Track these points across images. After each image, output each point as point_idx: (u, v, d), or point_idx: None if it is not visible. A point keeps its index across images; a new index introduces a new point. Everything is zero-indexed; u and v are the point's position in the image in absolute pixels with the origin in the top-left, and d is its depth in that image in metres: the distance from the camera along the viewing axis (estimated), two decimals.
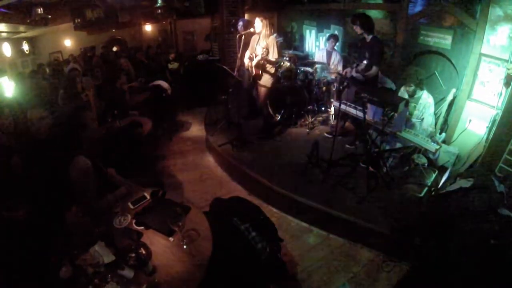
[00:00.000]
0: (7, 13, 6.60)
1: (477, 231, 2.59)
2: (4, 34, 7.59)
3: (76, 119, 2.87)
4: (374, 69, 4.74)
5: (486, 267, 2.44)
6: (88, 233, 2.49)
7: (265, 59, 5.13)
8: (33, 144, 3.27)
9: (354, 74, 4.89)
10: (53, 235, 2.46)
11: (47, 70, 8.17)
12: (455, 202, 2.93)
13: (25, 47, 8.68)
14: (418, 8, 5.58)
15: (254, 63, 5.24)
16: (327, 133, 5.79)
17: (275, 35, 5.18)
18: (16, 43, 8.31)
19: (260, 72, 5.30)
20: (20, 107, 4.80)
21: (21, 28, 7.50)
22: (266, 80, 5.30)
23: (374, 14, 6.30)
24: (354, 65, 5.21)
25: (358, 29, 4.79)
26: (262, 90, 5.41)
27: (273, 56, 5.10)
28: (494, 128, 3.84)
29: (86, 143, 2.79)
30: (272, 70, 5.22)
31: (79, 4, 8.10)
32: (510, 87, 3.61)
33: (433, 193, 3.89)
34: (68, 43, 9.63)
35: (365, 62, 4.72)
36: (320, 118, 6.41)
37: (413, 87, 4.46)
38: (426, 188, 4.06)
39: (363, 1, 6.63)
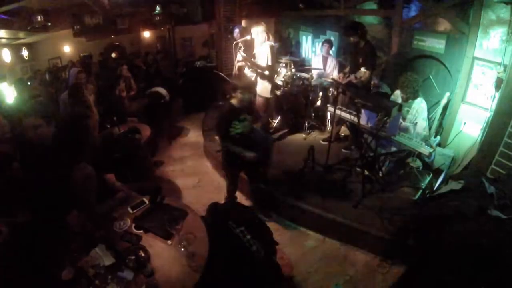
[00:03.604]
0: (7, 19, 6.66)
1: (468, 231, 2.65)
2: (3, 40, 7.63)
3: (80, 126, 2.92)
4: (367, 73, 4.80)
5: (477, 266, 2.49)
6: (89, 236, 2.55)
7: (249, 60, 5.19)
8: (34, 149, 3.31)
9: (354, 81, 4.94)
10: (54, 239, 2.52)
11: (47, 76, 8.23)
12: (447, 203, 2.99)
13: (25, 53, 8.71)
14: (412, 13, 5.66)
15: (235, 69, 5.31)
16: (323, 140, 5.83)
17: (271, 41, 5.19)
18: (15, 49, 8.35)
19: (254, 79, 5.33)
20: (17, 113, 4.83)
21: (21, 34, 7.55)
22: (262, 90, 5.29)
23: (369, 19, 6.39)
24: (347, 70, 5.28)
25: (354, 38, 4.84)
26: (260, 100, 5.39)
27: (265, 62, 5.05)
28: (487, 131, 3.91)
29: (89, 150, 2.84)
30: (268, 77, 5.19)
31: (79, 10, 8.17)
32: (501, 90, 3.67)
33: (427, 195, 3.94)
34: (67, 49, 9.67)
35: (363, 69, 4.77)
36: (316, 123, 6.44)
37: (408, 96, 4.53)
38: (420, 191, 4.12)
39: (358, 7, 6.69)
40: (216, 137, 4.06)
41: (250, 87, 3.59)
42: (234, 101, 3.62)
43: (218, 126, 3.69)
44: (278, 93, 6.04)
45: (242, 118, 3.58)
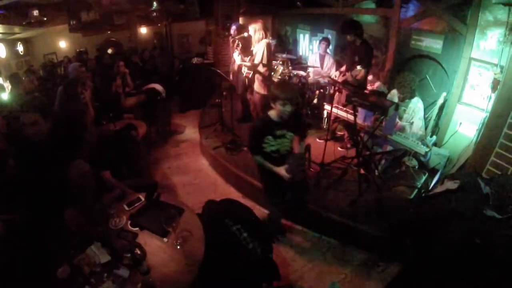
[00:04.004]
0: (3, 14, 6.60)
1: (464, 231, 2.66)
2: None
3: (78, 122, 2.91)
4: (362, 72, 4.81)
5: (474, 266, 2.51)
6: (84, 234, 2.54)
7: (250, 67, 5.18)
8: (30, 146, 3.29)
9: (349, 79, 4.94)
10: (50, 236, 2.50)
11: (41, 72, 8.16)
12: (443, 203, 3.00)
13: (20, 48, 8.64)
14: (410, 13, 5.67)
15: (235, 67, 5.29)
16: (319, 138, 5.83)
17: (269, 38, 5.18)
18: (10, 44, 8.28)
19: (250, 76, 5.32)
20: (13, 109, 4.79)
21: (16, 29, 7.48)
22: (258, 86, 5.27)
23: (366, 18, 6.40)
24: (343, 68, 5.28)
25: (351, 36, 4.85)
26: (256, 97, 5.39)
27: (259, 59, 5.03)
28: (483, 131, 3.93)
29: (85, 146, 2.83)
30: (264, 74, 5.17)
31: (75, 6, 8.11)
32: (497, 91, 3.69)
33: (423, 195, 3.96)
34: (63, 44, 9.61)
35: (358, 67, 4.77)
36: (313, 122, 6.44)
37: (404, 95, 4.54)
38: (416, 190, 4.13)
39: (356, 5, 6.70)
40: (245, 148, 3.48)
41: (294, 98, 3.02)
42: (272, 113, 3.13)
43: (249, 138, 3.26)
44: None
45: (280, 134, 3.13)
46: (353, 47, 4.97)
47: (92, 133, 4.44)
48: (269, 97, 3.14)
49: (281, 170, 3.09)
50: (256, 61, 4.99)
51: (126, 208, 2.90)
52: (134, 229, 2.65)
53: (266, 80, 5.20)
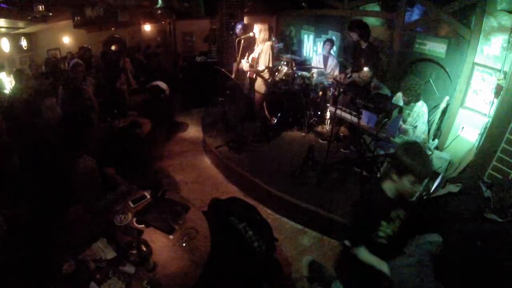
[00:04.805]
0: (7, 8, 6.61)
1: (465, 233, 2.69)
2: (3, 30, 7.58)
3: (80, 120, 2.93)
4: (369, 74, 4.82)
5: (474, 268, 2.54)
6: (89, 230, 2.57)
7: (253, 71, 5.21)
8: (34, 143, 3.31)
9: (357, 79, 4.96)
10: (54, 232, 2.53)
11: (44, 68, 8.17)
12: (444, 206, 3.03)
13: (23, 43, 8.65)
14: (414, 17, 5.69)
15: (242, 67, 5.34)
16: (322, 139, 5.86)
17: (273, 40, 5.19)
18: (14, 38, 8.29)
19: (254, 76, 5.34)
20: (10, 104, 4.79)
21: (20, 23, 7.49)
22: (259, 86, 5.30)
23: (371, 21, 6.40)
24: (348, 70, 5.30)
25: (355, 36, 4.86)
26: (257, 96, 5.43)
27: (265, 63, 5.04)
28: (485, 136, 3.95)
29: (91, 143, 2.85)
30: (266, 76, 5.19)
31: (80, 2, 8.12)
32: (500, 97, 3.71)
33: (424, 197, 3.98)
34: (66, 40, 9.61)
35: (366, 69, 4.78)
36: (316, 123, 6.47)
37: (409, 99, 4.56)
38: (417, 193, 4.16)
39: (361, 8, 6.72)
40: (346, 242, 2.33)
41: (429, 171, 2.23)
42: (388, 187, 2.17)
43: (353, 225, 2.39)
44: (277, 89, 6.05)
45: (394, 216, 2.21)
46: (359, 50, 4.99)
47: (97, 129, 4.47)
48: (395, 164, 2.11)
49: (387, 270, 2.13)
50: (262, 64, 5.01)
51: (132, 205, 2.92)
52: (139, 226, 2.67)
53: (266, 81, 5.23)
